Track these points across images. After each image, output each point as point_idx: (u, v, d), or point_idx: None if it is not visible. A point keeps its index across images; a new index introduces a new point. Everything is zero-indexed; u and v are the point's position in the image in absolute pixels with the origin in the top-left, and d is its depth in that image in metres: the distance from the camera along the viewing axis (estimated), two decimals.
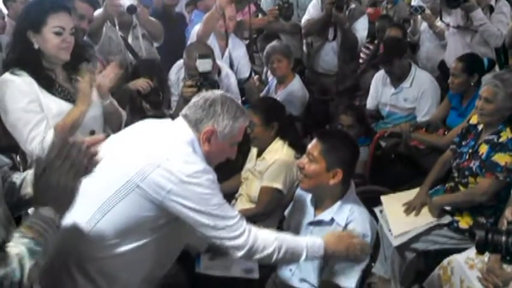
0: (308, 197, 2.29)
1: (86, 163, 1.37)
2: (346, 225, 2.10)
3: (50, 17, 2.19)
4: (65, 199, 1.35)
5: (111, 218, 1.74)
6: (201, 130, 1.83)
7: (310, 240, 1.97)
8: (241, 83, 3.77)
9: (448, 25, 3.84)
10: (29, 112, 2.18)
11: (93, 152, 1.39)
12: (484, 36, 3.61)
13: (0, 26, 4.04)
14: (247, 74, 3.94)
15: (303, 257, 1.92)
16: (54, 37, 2.20)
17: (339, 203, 2.14)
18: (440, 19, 3.92)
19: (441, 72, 3.60)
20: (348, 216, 2.11)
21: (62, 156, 1.33)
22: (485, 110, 2.65)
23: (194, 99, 1.91)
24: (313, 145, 2.16)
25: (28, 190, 1.53)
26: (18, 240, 1.25)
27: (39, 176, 1.34)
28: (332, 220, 2.13)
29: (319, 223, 2.17)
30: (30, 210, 1.40)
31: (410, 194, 2.92)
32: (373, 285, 2.89)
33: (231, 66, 3.77)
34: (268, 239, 1.85)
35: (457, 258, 2.45)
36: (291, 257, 1.92)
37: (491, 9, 3.71)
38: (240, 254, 1.81)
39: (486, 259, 2.33)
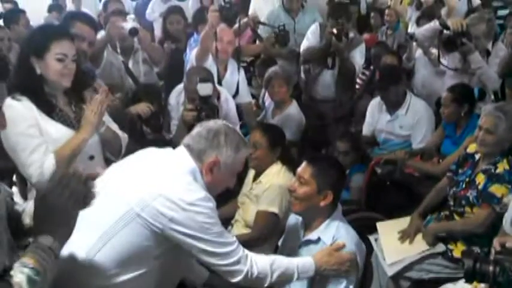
0: (298, 222, 2.35)
1: (85, 196, 1.40)
2: (333, 243, 2.16)
3: (53, 43, 2.22)
4: (63, 227, 1.38)
5: (111, 247, 1.75)
6: (204, 161, 1.86)
7: (301, 261, 2.04)
8: (239, 108, 3.81)
9: (446, 67, 3.91)
10: (28, 136, 2.19)
11: (91, 186, 1.43)
12: (482, 79, 3.65)
13: (6, 47, 4.09)
14: (247, 99, 3.97)
15: (295, 277, 1.99)
16: (56, 63, 2.22)
17: (326, 222, 2.22)
18: (438, 61, 3.98)
19: (438, 109, 3.65)
20: (334, 235, 2.18)
21: (62, 185, 1.36)
22: (485, 140, 2.66)
23: (197, 129, 1.94)
24: (303, 168, 2.24)
25: (27, 221, 1.55)
26: (18, 270, 1.27)
27: (39, 204, 1.37)
28: (319, 239, 2.20)
29: (307, 243, 2.24)
30: (31, 240, 1.43)
31: (406, 221, 2.93)
32: None
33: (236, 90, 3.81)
34: (263, 264, 1.91)
35: None
36: (284, 279, 1.99)
37: (488, 53, 3.76)
38: (236, 279, 1.87)
39: None
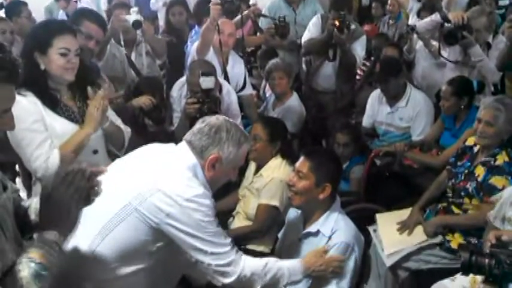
0: (298, 215, 2.40)
1: (88, 192, 1.43)
2: (331, 235, 2.21)
3: (56, 38, 2.24)
4: (68, 223, 1.42)
5: (110, 241, 1.78)
6: (206, 157, 1.88)
7: (291, 263, 2.07)
8: (240, 100, 3.83)
9: (446, 59, 3.92)
10: (33, 132, 2.22)
11: (95, 183, 1.46)
12: (482, 72, 3.67)
13: (9, 40, 4.09)
14: (248, 90, 3.98)
15: (285, 280, 2.02)
16: (59, 58, 2.24)
17: (325, 214, 2.27)
18: (439, 54, 3.99)
19: (438, 101, 3.68)
20: (332, 227, 2.22)
21: (67, 183, 1.40)
22: (485, 132, 2.69)
23: (198, 125, 1.95)
24: (301, 162, 2.28)
25: (33, 217, 1.59)
26: (25, 265, 1.31)
27: (44, 201, 1.41)
28: (318, 231, 2.24)
29: (307, 235, 2.29)
30: (36, 235, 1.46)
31: (405, 213, 2.97)
32: None
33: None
34: (256, 267, 1.94)
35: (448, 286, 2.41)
36: (274, 282, 2.00)
37: (488, 45, 3.77)
38: (228, 280, 1.88)
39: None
